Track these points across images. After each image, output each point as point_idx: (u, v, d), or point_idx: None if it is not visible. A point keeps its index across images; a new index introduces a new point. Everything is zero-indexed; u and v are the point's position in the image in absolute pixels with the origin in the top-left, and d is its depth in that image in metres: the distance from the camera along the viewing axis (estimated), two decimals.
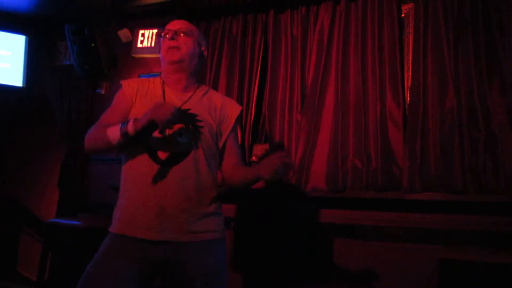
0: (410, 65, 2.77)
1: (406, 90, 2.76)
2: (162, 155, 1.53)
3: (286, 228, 2.71)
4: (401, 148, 2.62)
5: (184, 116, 1.58)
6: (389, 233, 2.57)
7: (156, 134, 1.52)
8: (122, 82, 1.70)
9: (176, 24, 1.69)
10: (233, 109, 1.73)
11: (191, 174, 1.54)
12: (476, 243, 2.36)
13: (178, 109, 1.53)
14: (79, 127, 3.74)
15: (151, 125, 1.45)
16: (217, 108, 1.69)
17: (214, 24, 3.38)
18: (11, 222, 3.94)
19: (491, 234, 2.34)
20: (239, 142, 2.67)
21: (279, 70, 3.10)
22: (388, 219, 2.58)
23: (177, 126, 1.55)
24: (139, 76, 3.60)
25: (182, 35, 1.66)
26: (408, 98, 2.73)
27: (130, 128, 1.46)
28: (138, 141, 1.52)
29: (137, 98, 1.63)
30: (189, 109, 1.61)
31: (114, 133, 1.48)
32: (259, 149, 3.04)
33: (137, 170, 1.55)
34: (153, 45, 3.59)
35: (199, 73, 1.84)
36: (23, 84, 3.91)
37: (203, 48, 1.74)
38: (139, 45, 3.64)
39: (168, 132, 1.53)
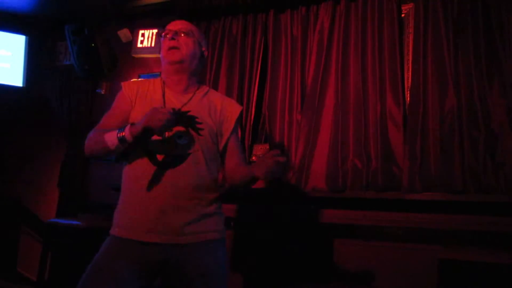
0: (410, 65, 2.77)
1: (406, 90, 2.76)
2: (161, 157, 1.53)
3: (286, 228, 2.71)
4: (401, 148, 2.62)
5: (183, 118, 1.58)
6: (389, 233, 2.57)
7: (157, 139, 1.52)
8: (122, 84, 1.69)
9: (176, 24, 1.69)
10: (233, 110, 1.73)
11: (190, 176, 1.54)
12: (476, 243, 2.36)
13: (175, 112, 1.53)
14: (79, 127, 3.75)
15: (147, 131, 1.45)
16: (217, 109, 1.69)
17: (214, 24, 3.38)
18: (11, 222, 3.94)
19: (491, 234, 2.34)
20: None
21: (279, 70, 3.10)
22: (388, 219, 2.58)
23: (177, 129, 1.55)
24: (139, 76, 3.60)
25: (182, 35, 1.66)
26: (408, 98, 2.73)
27: (127, 134, 1.47)
28: (136, 147, 1.52)
29: (137, 101, 1.63)
30: (188, 111, 1.61)
31: (111, 139, 1.49)
32: (259, 149, 3.04)
33: (137, 172, 1.55)
34: (153, 45, 3.59)
35: (200, 73, 1.83)
36: (23, 84, 3.91)
37: (203, 49, 1.74)
38: (139, 45, 3.64)
39: (167, 134, 1.54)
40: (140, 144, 1.52)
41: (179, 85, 1.67)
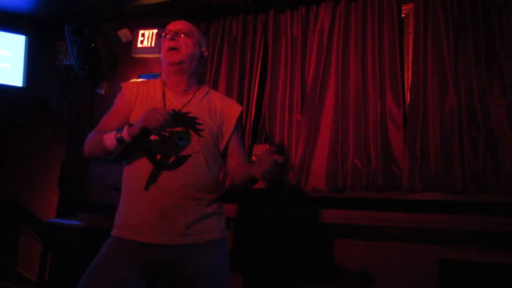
0: (410, 65, 2.77)
1: (406, 90, 2.76)
2: (162, 158, 1.52)
3: (286, 228, 2.71)
4: (401, 148, 2.62)
5: (183, 119, 1.58)
6: (389, 233, 2.57)
7: (155, 138, 1.52)
8: (122, 84, 1.70)
9: (176, 25, 1.69)
10: (234, 110, 1.73)
11: (191, 177, 1.54)
12: (476, 243, 2.36)
13: (175, 113, 1.53)
14: (79, 127, 3.75)
15: (145, 131, 1.46)
16: (218, 109, 1.69)
17: (214, 24, 3.38)
18: (11, 222, 3.94)
19: (491, 234, 2.34)
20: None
21: (279, 70, 3.09)
22: (388, 219, 2.58)
23: (177, 130, 1.55)
24: (139, 76, 3.60)
25: (182, 35, 1.65)
26: (408, 98, 2.73)
27: (125, 134, 1.47)
28: (135, 147, 1.52)
29: (137, 102, 1.63)
30: (189, 112, 1.61)
31: (110, 140, 1.49)
32: (259, 149, 3.04)
33: (137, 173, 1.55)
34: (153, 45, 3.59)
35: (200, 73, 1.83)
36: (23, 84, 3.91)
37: (203, 49, 1.74)
38: (139, 45, 3.64)
39: (168, 136, 1.54)
40: (138, 144, 1.52)
41: (179, 86, 1.67)
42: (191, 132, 1.58)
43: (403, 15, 2.86)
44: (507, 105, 2.42)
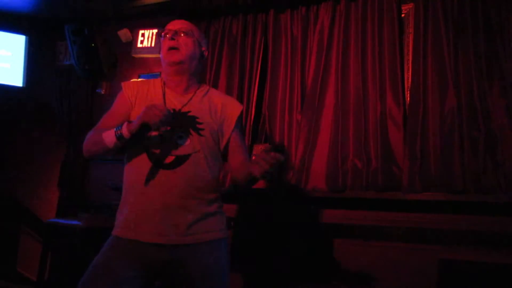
0: (410, 65, 2.77)
1: (406, 90, 2.76)
2: (162, 158, 1.52)
3: (286, 228, 2.71)
4: (401, 148, 2.62)
5: (184, 119, 1.58)
6: (389, 233, 2.57)
7: (154, 134, 1.52)
8: (122, 84, 1.69)
9: (176, 24, 1.68)
10: (234, 109, 1.72)
11: (192, 176, 1.53)
12: (476, 243, 2.36)
13: (175, 112, 1.53)
14: (79, 127, 3.74)
15: (145, 127, 1.46)
16: (218, 108, 1.68)
17: (214, 24, 3.38)
18: (11, 222, 3.94)
19: (491, 234, 2.34)
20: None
21: (279, 70, 3.10)
22: (388, 219, 2.58)
23: (178, 129, 1.55)
24: (139, 76, 3.60)
25: (182, 35, 1.65)
26: (408, 98, 2.73)
27: (125, 131, 1.47)
28: (134, 143, 1.53)
29: (137, 101, 1.63)
30: (189, 112, 1.61)
31: (109, 137, 1.49)
32: (259, 149, 3.04)
33: (138, 173, 1.54)
34: (153, 45, 3.58)
35: (200, 73, 1.83)
36: (23, 84, 3.91)
37: (203, 49, 1.73)
38: (139, 45, 3.64)
39: (168, 135, 1.54)
40: (137, 141, 1.52)
41: (179, 85, 1.67)
42: (192, 132, 1.58)
43: (403, 15, 2.86)
44: (507, 105, 2.42)
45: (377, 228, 2.59)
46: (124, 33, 3.71)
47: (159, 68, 3.42)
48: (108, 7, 3.61)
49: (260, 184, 2.81)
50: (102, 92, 3.78)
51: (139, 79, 3.49)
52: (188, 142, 1.56)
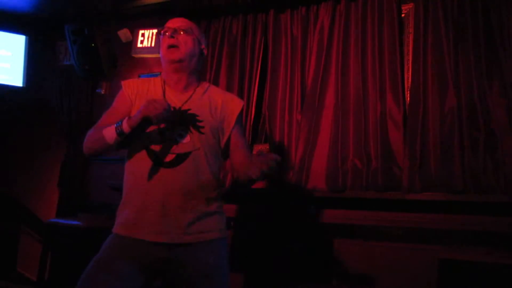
0: (410, 65, 2.77)
1: (406, 90, 2.76)
2: (163, 156, 1.52)
3: (286, 228, 2.71)
4: (401, 148, 2.62)
5: (184, 117, 1.58)
6: (389, 233, 2.57)
7: (154, 131, 1.52)
8: (122, 82, 1.69)
9: (176, 22, 1.67)
10: (235, 106, 1.72)
11: (192, 174, 1.53)
12: (476, 243, 2.36)
13: (175, 110, 1.53)
14: (79, 127, 3.75)
15: (146, 121, 1.46)
16: (218, 105, 1.68)
17: (214, 24, 3.38)
18: (11, 222, 3.94)
19: (491, 234, 2.34)
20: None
21: (279, 70, 3.10)
22: (388, 219, 2.58)
23: (178, 127, 1.55)
24: (139, 76, 3.60)
25: (182, 33, 1.64)
26: (408, 98, 2.73)
27: (125, 126, 1.47)
28: (135, 139, 1.52)
29: (137, 100, 1.63)
30: (189, 109, 1.61)
31: (110, 133, 1.49)
32: (259, 149, 3.04)
33: (138, 171, 1.55)
34: (153, 45, 3.59)
35: (200, 71, 1.83)
36: (23, 84, 3.91)
37: (203, 47, 1.73)
38: (139, 45, 3.64)
39: (168, 133, 1.54)
40: (137, 136, 1.52)
41: (179, 83, 1.67)
42: (192, 129, 1.57)
43: (403, 15, 2.86)
44: (507, 105, 2.42)
45: (377, 228, 2.59)
46: (124, 33, 3.71)
47: (159, 68, 3.42)
48: (108, 7, 3.62)
49: (260, 184, 2.81)
50: (102, 92, 3.78)
51: (139, 78, 3.48)
52: (188, 140, 1.56)
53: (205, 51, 1.75)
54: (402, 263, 2.45)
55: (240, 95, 3.16)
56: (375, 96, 2.74)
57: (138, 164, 1.55)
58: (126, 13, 3.70)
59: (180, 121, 1.57)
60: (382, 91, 2.73)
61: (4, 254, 3.87)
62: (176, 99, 1.63)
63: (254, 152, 3.05)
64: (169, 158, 1.52)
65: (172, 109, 1.53)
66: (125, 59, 3.72)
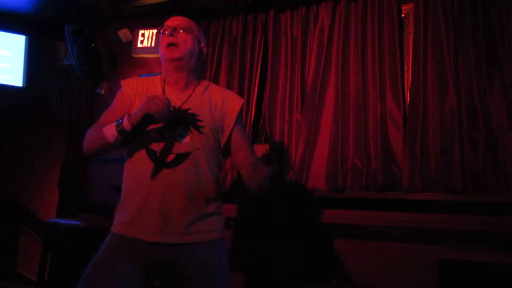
0: (410, 65, 2.77)
1: (406, 90, 2.76)
2: (162, 156, 1.52)
3: (286, 228, 2.71)
4: (401, 148, 2.62)
5: (184, 116, 1.58)
6: (389, 233, 2.57)
7: (153, 129, 1.52)
8: (121, 82, 1.69)
9: (175, 20, 1.67)
10: (235, 104, 1.71)
11: (191, 174, 1.53)
12: (476, 243, 2.36)
13: (175, 109, 1.53)
14: (79, 127, 3.75)
15: (147, 118, 1.45)
16: (218, 104, 1.67)
17: (214, 24, 3.38)
18: (11, 222, 3.94)
19: (491, 234, 2.34)
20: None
21: (279, 70, 3.10)
22: (388, 219, 2.58)
23: (178, 127, 1.55)
24: (139, 76, 3.59)
25: (181, 31, 1.63)
26: (408, 98, 2.73)
27: (125, 123, 1.46)
28: (135, 137, 1.52)
29: (137, 99, 1.62)
30: (189, 109, 1.61)
31: (110, 131, 1.48)
32: (259, 149, 3.04)
33: (138, 171, 1.54)
34: (153, 45, 3.59)
35: (199, 70, 1.82)
36: (23, 84, 3.91)
37: (202, 45, 1.72)
38: (139, 45, 3.64)
39: (168, 133, 1.54)
40: (138, 134, 1.51)
41: (179, 82, 1.66)
42: (192, 129, 1.57)
43: (403, 15, 2.86)
44: (507, 105, 2.42)
45: (377, 228, 2.59)
46: (124, 33, 3.71)
47: (159, 68, 3.41)
48: (108, 7, 3.62)
49: None
50: (102, 92, 3.78)
51: (139, 77, 3.48)
52: (188, 140, 1.55)
53: (204, 50, 1.74)
54: (402, 263, 2.45)
55: (240, 95, 3.15)
56: (375, 96, 2.74)
57: (138, 163, 1.55)
58: (126, 13, 3.70)
59: (180, 121, 1.57)
60: (382, 91, 2.73)
61: (4, 254, 3.87)
62: (175, 98, 1.63)
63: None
64: (169, 158, 1.52)
65: (172, 108, 1.53)
66: (125, 59, 3.72)
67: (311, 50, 3.00)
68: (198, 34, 1.70)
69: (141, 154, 1.54)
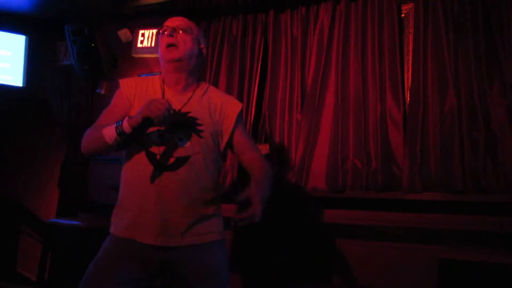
0: (410, 65, 2.77)
1: (406, 90, 2.76)
2: (163, 159, 1.51)
3: (286, 228, 2.71)
4: (401, 148, 2.62)
5: (184, 119, 1.57)
6: (389, 233, 2.57)
7: (154, 132, 1.52)
8: (120, 81, 1.67)
9: (174, 21, 1.66)
10: (234, 107, 1.70)
11: (191, 178, 1.53)
12: (476, 243, 2.36)
13: (175, 113, 1.52)
14: (79, 127, 3.74)
15: (147, 121, 1.45)
16: (218, 107, 1.67)
17: (214, 24, 3.38)
18: (11, 222, 3.94)
19: (491, 234, 2.34)
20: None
21: (279, 70, 3.09)
22: (388, 219, 2.58)
23: (178, 130, 1.55)
24: (139, 76, 3.59)
25: (181, 32, 1.63)
26: (408, 98, 2.73)
27: (125, 125, 1.45)
28: (135, 139, 1.52)
29: (136, 100, 1.61)
30: (189, 112, 1.60)
31: (109, 133, 1.47)
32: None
33: (137, 174, 1.54)
34: (153, 45, 3.59)
35: (199, 71, 1.82)
36: (23, 84, 3.91)
37: (202, 46, 1.71)
38: (139, 45, 3.64)
39: (168, 136, 1.53)
40: (138, 136, 1.51)
41: (178, 83, 1.65)
42: (192, 133, 1.57)
43: (403, 15, 2.86)
44: (507, 105, 2.42)
45: (377, 228, 2.59)
46: (124, 33, 3.71)
47: (159, 68, 3.38)
48: (108, 7, 3.62)
49: None
50: (102, 92, 3.78)
51: (137, 77, 3.48)
52: (188, 144, 1.55)
53: (204, 51, 1.73)
54: (402, 263, 2.45)
55: (240, 95, 3.16)
56: (375, 96, 2.74)
57: (137, 166, 1.54)
58: (126, 13, 3.70)
59: (180, 124, 1.56)
60: (382, 91, 2.73)
61: (4, 254, 3.87)
62: (175, 101, 1.61)
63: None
64: (169, 161, 1.51)
65: (172, 111, 1.52)
66: (125, 59, 3.72)
67: (311, 50, 3.00)
68: (198, 35, 1.69)
69: (141, 157, 1.53)
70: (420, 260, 2.40)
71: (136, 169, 1.55)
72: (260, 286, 2.72)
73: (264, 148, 3.02)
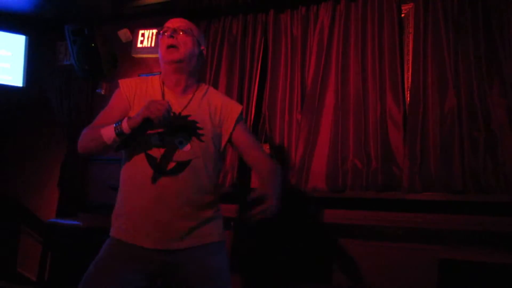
0: (410, 65, 2.77)
1: (406, 90, 2.76)
2: (163, 163, 1.51)
3: (286, 228, 2.71)
4: (401, 148, 2.62)
5: (184, 123, 1.56)
6: (389, 233, 2.57)
7: (152, 133, 1.51)
8: (119, 81, 1.66)
9: (175, 22, 1.65)
10: (233, 110, 1.69)
11: (191, 182, 1.52)
12: (476, 243, 2.36)
13: (175, 116, 1.52)
14: (79, 127, 3.73)
15: (146, 122, 1.44)
16: (217, 110, 1.66)
17: (214, 24, 3.38)
18: (11, 222, 3.94)
19: (491, 234, 2.34)
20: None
21: (279, 70, 3.09)
22: (388, 219, 2.58)
23: (178, 134, 1.54)
24: (139, 76, 3.59)
25: (181, 33, 1.62)
26: (408, 98, 2.73)
27: (125, 126, 1.45)
28: (134, 139, 1.51)
29: (136, 100, 1.60)
30: (189, 115, 1.59)
31: (108, 133, 1.46)
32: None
33: (137, 177, 1.53)
34: (153, 45, 3.59)
35: (199, 72, 1.82)
36: (23, 84, 3.91)
37: (202, 47, 1.70)
38: (139, 45, 3.64)
39: (168, 140, 1.52)
40: (137, 138, 1.50)
41: (178, 85, 1.64)
42: (192, 137, 1.56)
43: (403, 15, 2.86)
44: (507, 105, 2.42)
45: (377, 228, 2.59)
46: (124, 33, 3.71)
47: (159, 68, 3.38)
48: (108, 7, 3.62)
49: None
50: (102, 92, 3.78)
51: (137, 77, 3.48)
52: (188, 147, 1.54)
53: (204, 52, 1.72)
54: (402, 263, 2.46)
55: (240, 95, 3.17)
56: (375, 96, 2.74)
57: (137, 169, 1.53)
58: (126, 13, 3.70)
59: (181, 128, 1.55)
60: (382, 91, 2.73)
61: (4, 254, 3.87)
62: (175, 103, 1.60)
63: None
64: (169, 166, 1.50)
65: (172, 113, 1.52)
66: (125, 59, 3.72)
67: (311, 50, 3.00)
68: (198, 36, 1.68)
69: (141, 159, 1.52)
70: (420, 260, 2.40)
71: (136, 171, 1.53)
72: (260, 286, 2.72)
73: (264, 148, 3.03)
